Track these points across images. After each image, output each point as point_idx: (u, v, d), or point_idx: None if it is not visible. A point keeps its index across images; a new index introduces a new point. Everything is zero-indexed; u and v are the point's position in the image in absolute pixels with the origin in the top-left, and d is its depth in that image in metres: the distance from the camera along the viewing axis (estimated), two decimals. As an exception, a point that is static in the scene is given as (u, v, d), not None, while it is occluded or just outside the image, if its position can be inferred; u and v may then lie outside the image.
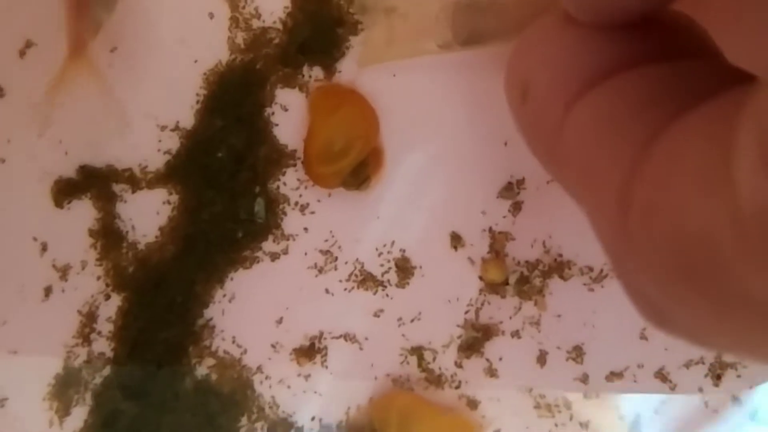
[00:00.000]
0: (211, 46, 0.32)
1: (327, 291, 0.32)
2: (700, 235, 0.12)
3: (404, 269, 0.32)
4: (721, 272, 0.12)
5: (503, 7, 0.27)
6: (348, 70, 0.31)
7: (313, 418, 0.32)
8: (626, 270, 0.15)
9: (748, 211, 0.11)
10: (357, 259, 0.32)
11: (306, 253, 0.32)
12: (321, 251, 0.32)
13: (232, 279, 0.32)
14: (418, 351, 0.32)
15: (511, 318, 0.31)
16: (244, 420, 0.33)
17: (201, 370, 0.33)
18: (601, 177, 0.14)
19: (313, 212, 0.32)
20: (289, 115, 0.32)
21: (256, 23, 0.31)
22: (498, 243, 0.31)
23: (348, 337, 0.32)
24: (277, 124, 0.32)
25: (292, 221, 0.32)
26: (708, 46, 0.16)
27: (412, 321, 0.32)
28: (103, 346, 0.33)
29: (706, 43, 0.16)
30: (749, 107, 0.11)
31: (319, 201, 0.32)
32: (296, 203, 0.32)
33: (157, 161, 0.32)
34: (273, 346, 0.32)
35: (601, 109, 0.15)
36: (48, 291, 0.33)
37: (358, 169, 0.31)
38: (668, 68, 0.15)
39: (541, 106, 0.16)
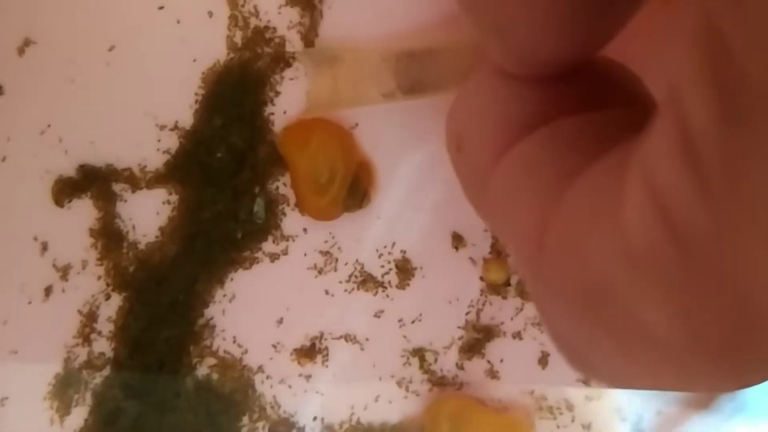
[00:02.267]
0: (210, 45, 0.31)
1: (327, 292, 0.32)
2: (597, 274, 0.13)
3: (405, 270, 0.31)
4: (619, 309, 0.12)
5: (444, 58, 0.28)
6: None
7: (315, 418, 0.32)
8: (545, 312, 0.16)
9: (637, 249, 0.11)
10: (357, 260, 0.32)
11: (306, 254, 0.32)
12: (321, 252, 0.32)
13: (232, 279, 0.32)
14: (419, 352, 0.32)
15: (512, 319, 0.31)
16: (245, 420, 0.32)
17: (202, 370, 0.32)
18: (521, 222, 0.15)
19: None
20: (289, 116, 0.31)
21: (254, 21, 0.31)
22: (500, 243, 0.31)
23: (349, 338, 0.32)
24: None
25: (291, 222, 0.32)
26: (635, 93, 0.17)
27: (413, 322, 0.32)
28: (103, 346, 0.33)
29: (634, 89, 0.17)
30: (638, 151, 0.12)
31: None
32: (296, 204, 0.32)
33: (156, 161, 0.32)
34: (274, 346, 0.32)
35: (523, 160, 0.16)
36: (48, 291, 0.33)
37: (353, 189, 0.31)
38: (591, 119, 0.16)
39: (473, 157, 0.17)
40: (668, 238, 0.11)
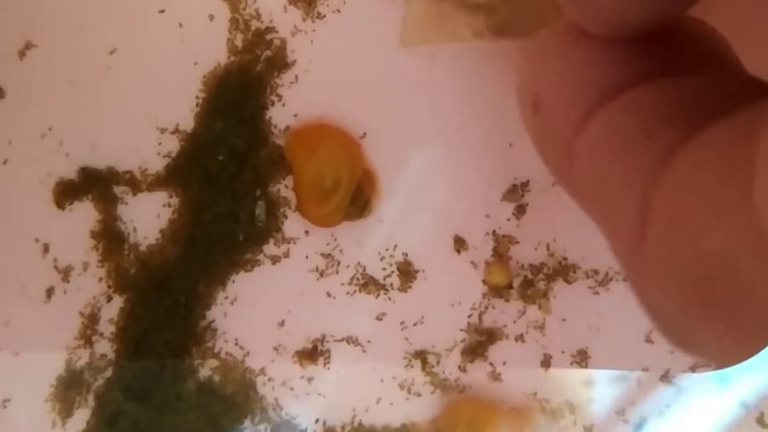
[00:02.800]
0: (211, 48, 0.31)
1: (329, 294, 0.32)
2: (719, 259, 0.12)
3: (407, 273, 0.31)
4: (742, 296, 0.12)
5: (533, 2, 0.27)
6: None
7: (317, 420, 0.32)
8: (647, 295, 0.15)
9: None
10: (359, 263, 0.31)
11: (307, 257, 0.32)
12: (322, 254, 0.32)
13: (233, 281, 0.32)
14: (421, 355, 0.32)
15: (515, 322, 0.31)
16: (247, 422, 0.32)
17: (204, 372, 0.32)
18: (616, 200, 0.14)
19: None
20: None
21: (255, 24, 0.31)
22: (502, 246, 0.31)
23: (351, 340, 0.32)
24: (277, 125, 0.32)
25: (292, 224, 0.32)
26: (726, 58, 0.16)
27: (415, 325, 0.31)
28: (105, 347, 0.33)
29: (725, 54, 0.16)
30: (766, 130, 0.11)
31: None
32: (297, 208, 0.32)
33: (157, 164, 0.32)
34: (275, 348, 0.32)
35: (613, 128, 0.14)
36: (50, 292, 0.33)
37: (356, 198, 0.31)
38: (682, 83, 0.14)
39: (553, 120, 0.16)
40: None
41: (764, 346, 0.13)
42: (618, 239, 0.14)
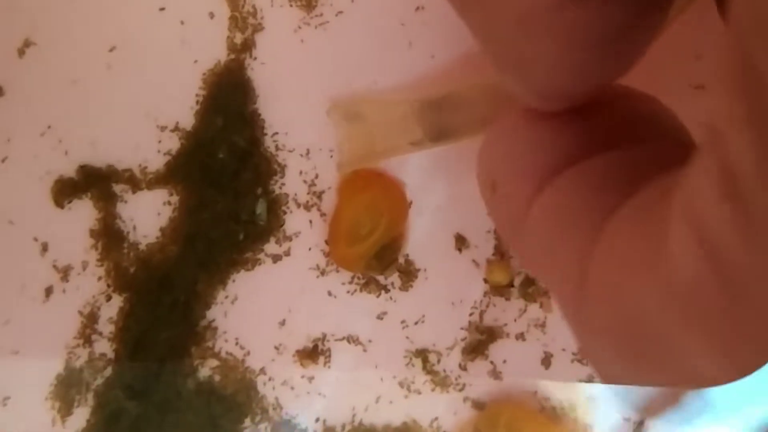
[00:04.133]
0: (211, 46, 0.31)
1: (330, 293, 0.32)
2: (638, 309, 0.13)
3: (408, 271, 0.31)
4: (656, 346, 0.13)
5: (467, 102, 0.28)
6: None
7: (317, 420, 0.32)
8: (588, 346, 0.16)
9: (681, 283, 0.12)
10: (360, 262, 0.31)
11: (308, 255, 0.32)
12: (323, 253, 0.32)
13: (234, 281, 0.32)
14: (422, 353, 0.32)
15: (515, 320, 0.31)
16: (247, 421, 0.32)
17: (204, 372, 0.32)
18: (559, 270, 0.15)
19: (315, 214, 0.31)
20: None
21: (254, 22, 0.31)
22: (503, 244, 0.31)
23: (351, 339, 0.32)
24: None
25: (293, 222, 0.32)
26: (661, 127, 0.17)
27: (416, 323, 0.31)
28: (104, 347, 0.33)
29: (660, 123, 0.17)
30: (679, 190, 0.12)
31: (320, 203, 0.31)
32: (298, 204, 0.32)
33: (157, 162, 0.32)
34: (276, 347, 0.32)
35: (555, 203, 0.16)
36: (49, 291, 0.33)
37: (383, 254, 0.31)
38: (617, 157, 0.16)
39: (507, 199, 0.17)
40: (712, 273, 0.11)
41: (695, 388, 0.14)
42: (563, 302, 0.16)
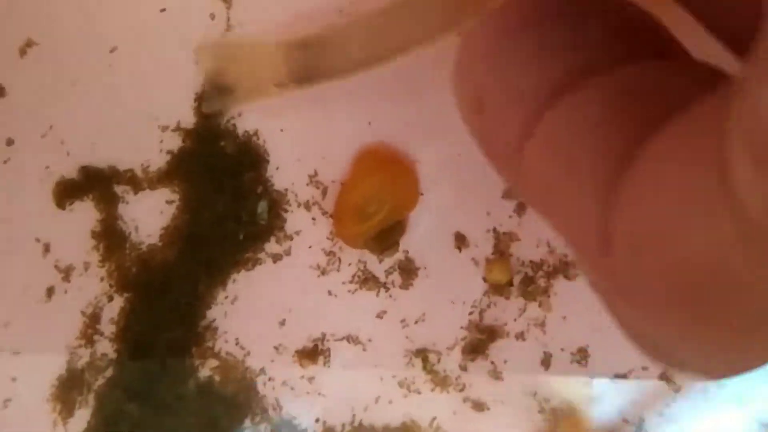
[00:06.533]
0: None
1: (330, 293, 0.32)
2: (704, 262, 0.11)
3: (408, 270, 0.31)
4: (735, 296, 0.11)
5: (337, 43, 0.26)
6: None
7: (317, 420, 0.32)
8: (619, 310, 0.13)
9: (758, 220, 0.10)
10: (360, 260, 0.31)
11: (308, 255, 0.32)
12: (324, 252, 0.32)
13: (234, 281, 0.32)
14: (422, 353, 0.31)
15: (515, 320, 0.31)
16: (247, 422, 0.32)
17: (204, 372, 0.32)
18: (572, 211, 0.13)
19: (316, 212, 0.32)
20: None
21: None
22: (502, 243, 0.31)
23: (351, 339, 0.32)
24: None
25: (294, 222, 0.32)
26: (672, 46, 0.15)
27: (416, 322, 0.31)
28: (106, 347, 0.33)
29: (670, 42, 0.15)
30: (732, 115, 0.10)
31: (321, 202, 0.31)
32: (299, 204, 0.32)
33: (158, 162, 0.32)
34: (276, 348, 0.32)
35: (563, 132, 0.13)
36: (50, 292, 0.33)
37: (384, 235, 0.31)
38: (634, 75, 0.13)
39: (498, 122, 0.15)
40: None
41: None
42: (580, 250, 0.13)
